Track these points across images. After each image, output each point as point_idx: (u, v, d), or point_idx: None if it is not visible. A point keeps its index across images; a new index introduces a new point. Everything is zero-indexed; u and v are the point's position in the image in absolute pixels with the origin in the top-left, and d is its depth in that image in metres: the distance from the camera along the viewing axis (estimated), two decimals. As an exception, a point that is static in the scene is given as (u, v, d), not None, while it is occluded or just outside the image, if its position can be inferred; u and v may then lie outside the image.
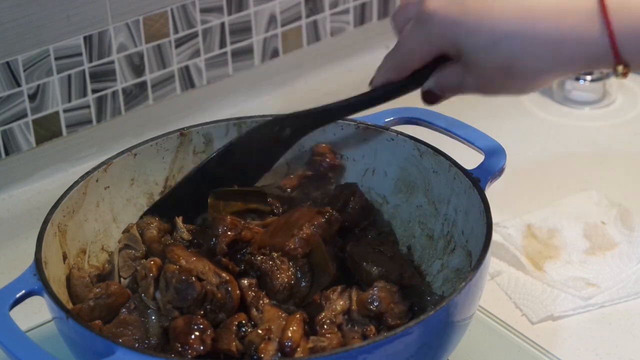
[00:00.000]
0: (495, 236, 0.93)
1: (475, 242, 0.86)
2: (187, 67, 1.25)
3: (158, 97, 1.24)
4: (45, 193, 1.16)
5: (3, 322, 0.77)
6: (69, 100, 1.17)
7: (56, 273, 0.86)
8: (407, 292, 0.86)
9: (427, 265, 0.94)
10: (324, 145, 0.98)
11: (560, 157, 1.21)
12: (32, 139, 1.16)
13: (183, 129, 0.97)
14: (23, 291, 0.80)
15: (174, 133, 0.97)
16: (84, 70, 1.16)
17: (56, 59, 1.14)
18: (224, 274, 0.84)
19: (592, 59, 0.77)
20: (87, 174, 0.92)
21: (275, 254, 0.86)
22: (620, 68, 0.76)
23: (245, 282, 0.85)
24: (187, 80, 1.26)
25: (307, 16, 1.33)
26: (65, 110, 1.17)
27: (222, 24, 1.25)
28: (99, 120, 1.20)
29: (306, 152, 0.99)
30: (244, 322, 0.82)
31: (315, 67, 1.36)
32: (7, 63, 1.11)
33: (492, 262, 1.02)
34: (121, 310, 0.84)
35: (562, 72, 0.79)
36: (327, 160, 0.98)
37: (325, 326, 0.82)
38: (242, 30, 1.28)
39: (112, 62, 1.18)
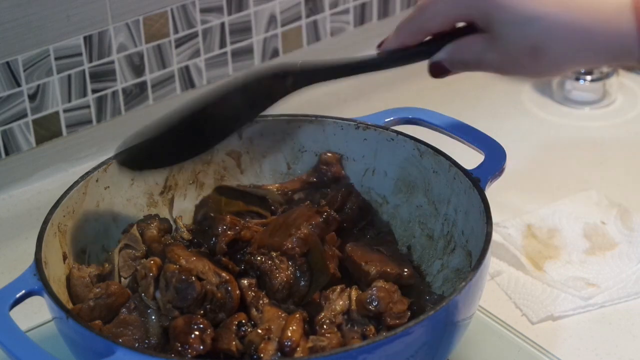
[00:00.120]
0: (495, 236, 0.93)
1: (475, 242, 0.86)
2: (187, 67, 1.25)
3: (158, 97, 1.24)
4: (45, 193, 1.16)
5: (3, 322, 0.77)
6: (69, 100, 1.17)
7: (56, 273, 0.86)
8: (407, 292, 0.87)
9: (427, 265, 0.94)
10: (331, 154, 0.98)
11: (560, 157, 1.21)
12: (32, 139, 1.16)
13: (183, 129, 0.97)
14: (23, 291, 0.80)
15: (173, 133, 0.97)
16: (84, 70, 1.16)
17: (56, 59, 1.14)
18: (223, 274, 0.84)
19: (619, 52, 0.78)
20: (87, 174, 0.92)
21: (274, 254, 0.87)
22: None
23: (245, 282, 0.85)
24: (187, 80, 1.26)
25: (307, 16, 1.33)
26: (65, 110, 1.17)
27: (222, 24, 1.25)
28: (99, 120, 1.20)
29: (306, 152, 1.00)
30: (243, 321, 0.82)
31: (315, 67, 1.36)
32: (7, 63, 1.11)
33: (492, 262, 1.02)
34: (121, 310, 0.85)
35: (587, 62, 0.80)
36: (333, 170, 0.98)
37: (325, 326, 0.82)
38: (242, 30, 1.28)
39: (112, 62, 1.18)
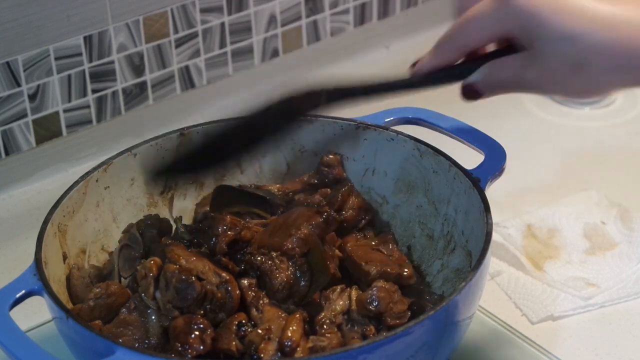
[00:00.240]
0: (495, 236, 0.92)
1: (475, 242, 0.86)
2: (187, 67, 1.25)
3: (158, 97, 1.24)
4: (45, 193, 1.16)
5: (3, 322, 0.77)
6: (69, 100, 1.17)
7: (56, 273, 0.86)
8: (407, 292, 0.87)
9: (427, 265, 0.94)
10: (332, 156, 0.98)
11: (560, 157, 1.21)
12: (32, 139, 1.16)
13: (183, 129, 0.97)
14: (23, 291, 0.80)
15: (174, 133, 0.97)
16: (84, 70, 1.16)
17: (56, 59, 1.14)
18: (224, 274, 0.84)
19: None
20: (87, 174, 0.92)
21: (274, 254, 0.87)
22: None
23: (245, 282, 0.85)
24: (187, 80, 1.26)
25: (307, 16, 1.33)
26: (65, 110, 1.17)
27: (222, 24, 1.25)
28: (99, 120, 1.20)
29: (306, 152, 1.00)
30: (244, 321, 0.82)
31: (315, 67, 1.36)
32: (7, 63, 1.11)
33: (492, 262, 1.02)
34: (121, 310, 0.84)
35: (630, 82, 0.78)
36: (335, 172, 0.98)
37: (325, 326, 0.82)
38: (242, 30, 1.28)
39: (112, 62, 1.18)
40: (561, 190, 1.14)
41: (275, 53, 1.32)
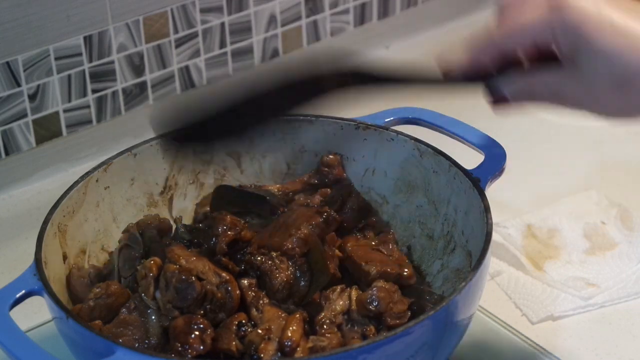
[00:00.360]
0: (495, 236, 0.92)
1: (475, 242, 0.86)
2: (187, 67, 1.25)
3: (158, 97, 1.24)
4: (45, 193, 1.16)
5: (3, 322, 0.77)
6: (69, 100, 1.17)
7: (56, 273, 0.86)
8: (407, 292, 0.87)
9: (427, 265, 0.94)
10: (332, 156, 0.98)
11: (560, 157, 1.21)
12: (32, 139, 1.16)
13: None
14: (23, 291, 0.80)
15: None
16: (84, 70, 1.16)
17: (56, 59, 1.14)
18: (224, 274, 0.84)
19: None
20: (87, 174, 0.92)
21: (274, 254, 0.87)
22: None
23: (245, 282, 0.85)
24: (187, 80, 1.26)
25: (307, 16, 1.33)
26: (65, 110, 1.17)
27: (222, 24, 1.25)
28: (99, 120, 1.20)
29: (306, 152, 1.00)
30: (244, 321, 0.82)
31: (315, 67, 1.36)
32: (7, 63, 1.11)
33: (492, 262, 1.02)
34: (121, 310, 0.84)
35: None
36: (335, 172, 0.98)
37: (325, 326, 0.82)
38: (242, 30, 1.28)
39: (112, 62, 1.18)
40: (561, 190, 1.14)
41: (275, 53, 1.32)
